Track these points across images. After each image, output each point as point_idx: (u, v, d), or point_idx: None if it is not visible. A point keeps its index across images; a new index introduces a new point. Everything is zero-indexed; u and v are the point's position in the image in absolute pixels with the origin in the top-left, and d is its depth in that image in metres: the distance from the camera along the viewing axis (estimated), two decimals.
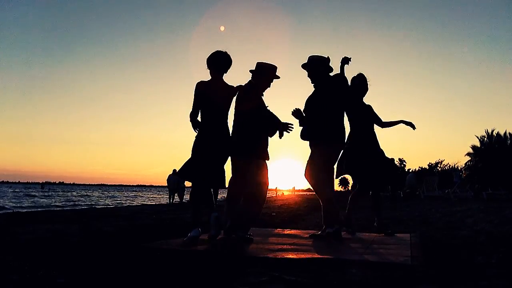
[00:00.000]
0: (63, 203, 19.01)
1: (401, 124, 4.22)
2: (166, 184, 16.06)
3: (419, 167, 38.03)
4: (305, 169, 3.77)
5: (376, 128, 4.20)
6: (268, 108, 3.70)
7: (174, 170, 15.86)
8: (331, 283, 1.93)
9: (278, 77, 3.70)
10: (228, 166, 3.62)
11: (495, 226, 4.37)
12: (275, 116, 3.69)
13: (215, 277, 2.08)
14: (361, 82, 4.10)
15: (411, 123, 4.19)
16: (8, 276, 2.06)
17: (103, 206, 14.76)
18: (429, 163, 39.36)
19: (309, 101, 3.80)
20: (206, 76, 3.54)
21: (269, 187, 3.75)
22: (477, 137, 32.51)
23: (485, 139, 32.15)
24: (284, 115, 4.22)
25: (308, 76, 3.83)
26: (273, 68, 3.67)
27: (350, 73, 3.99)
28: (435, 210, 7.65)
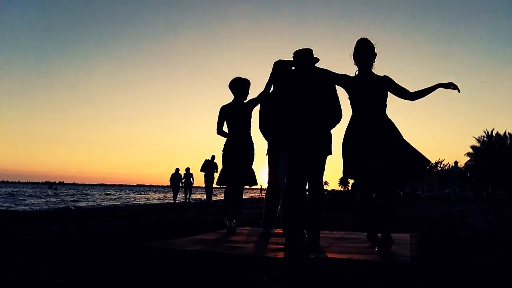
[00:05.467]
0: (71, 202, 19.00)
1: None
2: (169, 184, 16.00)
3: None
4: None
5: None
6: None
7: (177, 169, 15.85)
8: (331, 283, 1.93)
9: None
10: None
11: (495, 226, 4.37)
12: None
13: (215, 277, 2.08)
14: None
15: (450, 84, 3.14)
16: (8, 276, 2.06)
17: (103, 206, 14.74)
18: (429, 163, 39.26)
19: None
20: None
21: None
22: (475, 138, 32.38)
23: (485, 139, 32.03)
24: None
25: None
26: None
27: (347, 72, 3.76)
28: (435, 210, 7.65)
